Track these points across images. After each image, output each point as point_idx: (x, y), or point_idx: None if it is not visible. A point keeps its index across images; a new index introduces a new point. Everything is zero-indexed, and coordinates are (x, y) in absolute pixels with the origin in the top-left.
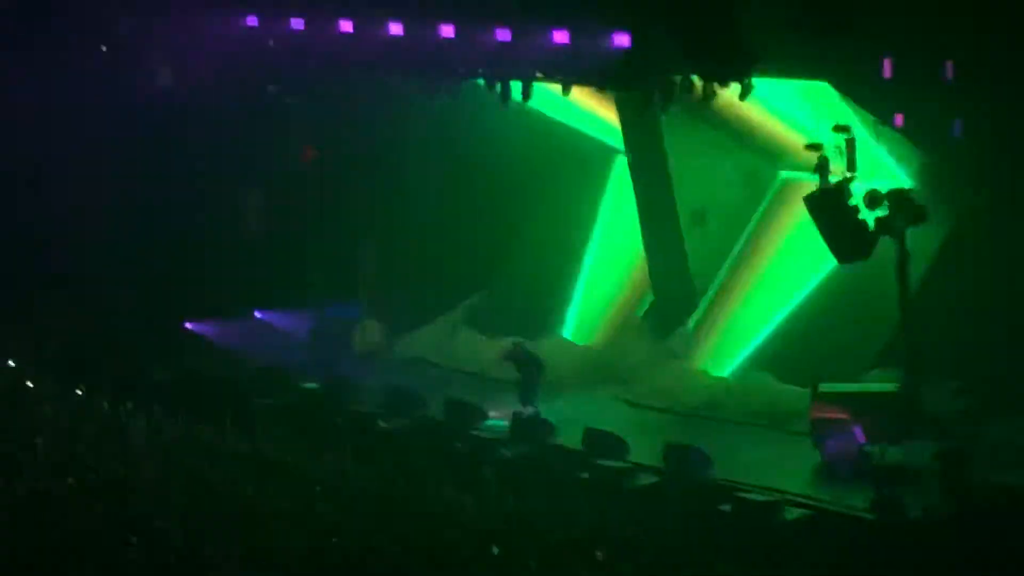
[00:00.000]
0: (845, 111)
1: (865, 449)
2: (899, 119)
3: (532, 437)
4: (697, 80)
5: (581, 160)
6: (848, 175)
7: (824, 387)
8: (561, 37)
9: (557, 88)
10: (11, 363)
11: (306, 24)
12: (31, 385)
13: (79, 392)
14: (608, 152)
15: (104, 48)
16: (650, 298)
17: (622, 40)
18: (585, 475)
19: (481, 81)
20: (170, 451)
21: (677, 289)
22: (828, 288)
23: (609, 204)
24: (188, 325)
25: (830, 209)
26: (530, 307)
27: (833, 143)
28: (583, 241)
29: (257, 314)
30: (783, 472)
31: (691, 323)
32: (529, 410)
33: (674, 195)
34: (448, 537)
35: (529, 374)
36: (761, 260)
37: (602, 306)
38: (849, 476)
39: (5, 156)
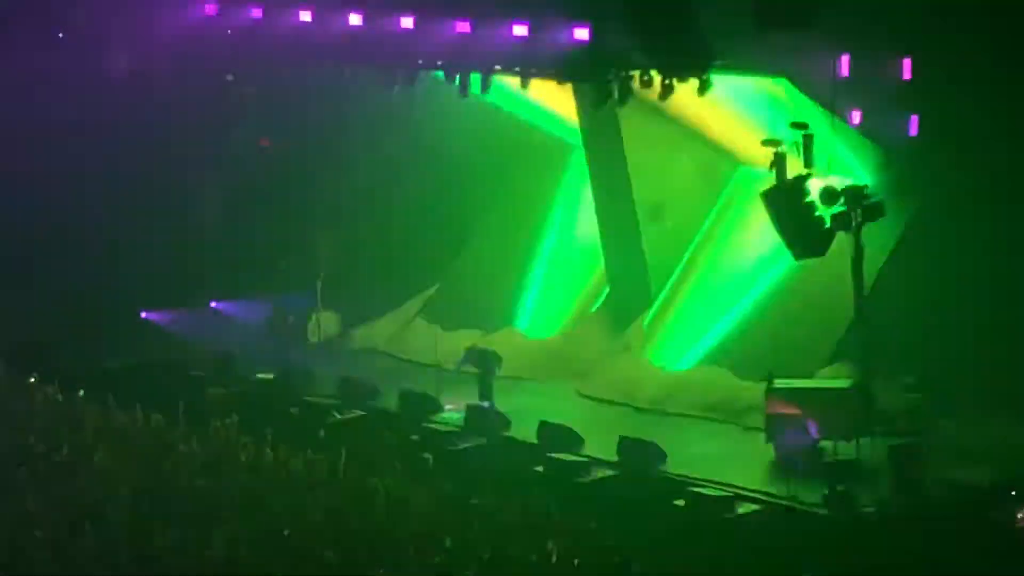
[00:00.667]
0: (802, 107)
1: (818, 444)
2: (856, 116)
3: (487, 429)
4: (656, 75)
5: (538, 153)
6: (805, 171)
7: (778, 382)
8: (520, 30)
9: (515, 81)
10: None
11: (264, 13)
12: None
13: (32, 380)
14: (565, 146)
15: (61, 35)
16: (606, 292)
17: (581, 33)
18: (539, 468)
19: (440, 73)
20: (122, 439)
21: (633, 283)
22: (784, 284)
23: (566, 198)
24: (144, 314)
25: (787, 205)
26: (486, 300)
27: (790, 139)
28: (540, 235)
29: (213, 304)
30: (737, 467)
31: (647, 317)
32: (484, 403)
33: (631, 189)
34: (402, 527)
35: (486, 371)
36: (717, 255)
37: (558, 300)
38: (802, 471)
39: None
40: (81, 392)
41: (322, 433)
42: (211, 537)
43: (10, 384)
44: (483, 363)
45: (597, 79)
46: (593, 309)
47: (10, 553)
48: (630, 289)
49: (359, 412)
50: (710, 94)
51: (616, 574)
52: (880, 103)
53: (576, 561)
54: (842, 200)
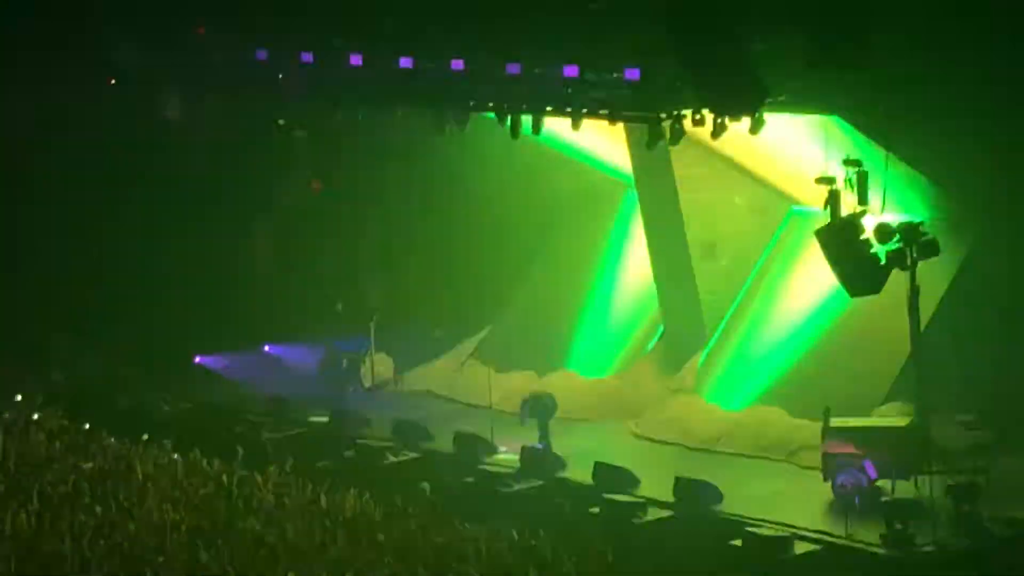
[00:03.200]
0: (856, 144)
1: (876, 483)
2: (910, 152)
3: (542, 471)
4: (708, 113)
5: (591, 193)
6: (859, 209)
7: (835, 421)
8: (571, 71)
9: (567, 122)
10: (19, 397)
11: (315, 57)
12: (37, 418)
13: (86, 426)
14: (618, 186)
15: (113, 80)
16: (660, 332)
17: (633, 74)
18: (595, 509)
19: (491, 115)
20: (178, 486)
21: (687, 323)
22: (839, 322)
23: (619, 238)
24: (198, 359)
25: (841, 243)
26: (539, 341)
27: (844, 177)
28: (593, 275)
29: (266, 348)
30: (794, 506)
31: (701, 357)
32: (539, 444)
33: (684, 228)
34: (460, 571)
35: (544, 417)
36: (772, 294)
37: (612, 340)
38: (860, 510)
39: (16, 187)
40: (145, 437)
41: (377, 476)
42: None
43: (64, 430)
44: (540, 410)
45: (649, 119)
46: (647, 349)
47: None
48: (684, 329)
49: (413, 454)
50: (762, 132)
51: None
52: (934, 139)
53: None
54: (897, 237)
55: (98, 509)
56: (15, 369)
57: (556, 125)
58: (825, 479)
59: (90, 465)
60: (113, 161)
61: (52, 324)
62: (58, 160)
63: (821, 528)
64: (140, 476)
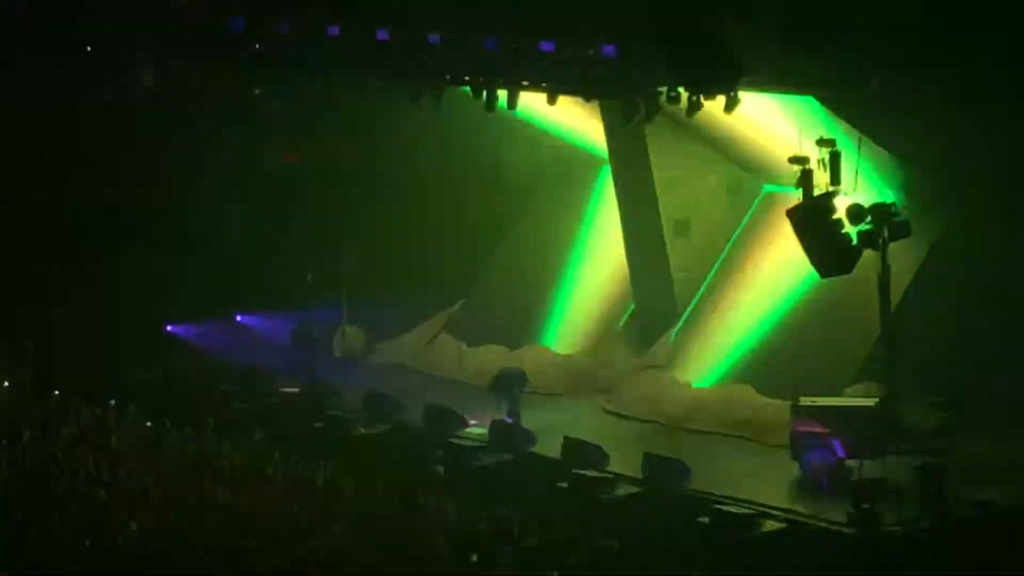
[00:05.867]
0: (830, 125)
1: (844, 463)
2: (884, 133)
3: (511, 445)
4: (683, 91)
5: (566, 169)
6: (832, 189)
7: (804, 400)
8: (547, 46)
9: (542, 97)
10: None
11: (292, 27)
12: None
13: (56, 394)
14: (593, 161)
15: (89, 49)
16: (632, 308)
17: (608, 50)
18: (564, 484)
19: (467, 88)
20: (148, 454)
21: (659, 299)
22: (810, 301)
23: (592, 214)
24: (169, 327)
25: (813, 223)
26: (512, 316)
27: (817, 157)
28: (565, 250)
29: (238, 317)
30: (762, 484)
31: (672, 334)
32: (508, 418)
33: (658, 206)
34: (427, 544)
35: (513, 391)
36: (743, 272)
37: (584, 316)
38: (827, 489)
39: None
40: (112, 403)
41: (347, 448)
42: (243, 551)
43: (35, 398)
44: (509, 385)
45: (624, 96)
46: (619, 325)
47: (37, 562)
48: (656, 306)
49: (383, 427)
50: (737, 111)
51: None
52: (908, 121)
53: None
54: (869, 218)
55: (68, 477)
56: None
57: (532, 100)
58: (793, 458)
59: (61, 432)
60: (87, 130)
61: (20, 293)
62: (31, 127)
63: (788, 506)
64: (111, 444)
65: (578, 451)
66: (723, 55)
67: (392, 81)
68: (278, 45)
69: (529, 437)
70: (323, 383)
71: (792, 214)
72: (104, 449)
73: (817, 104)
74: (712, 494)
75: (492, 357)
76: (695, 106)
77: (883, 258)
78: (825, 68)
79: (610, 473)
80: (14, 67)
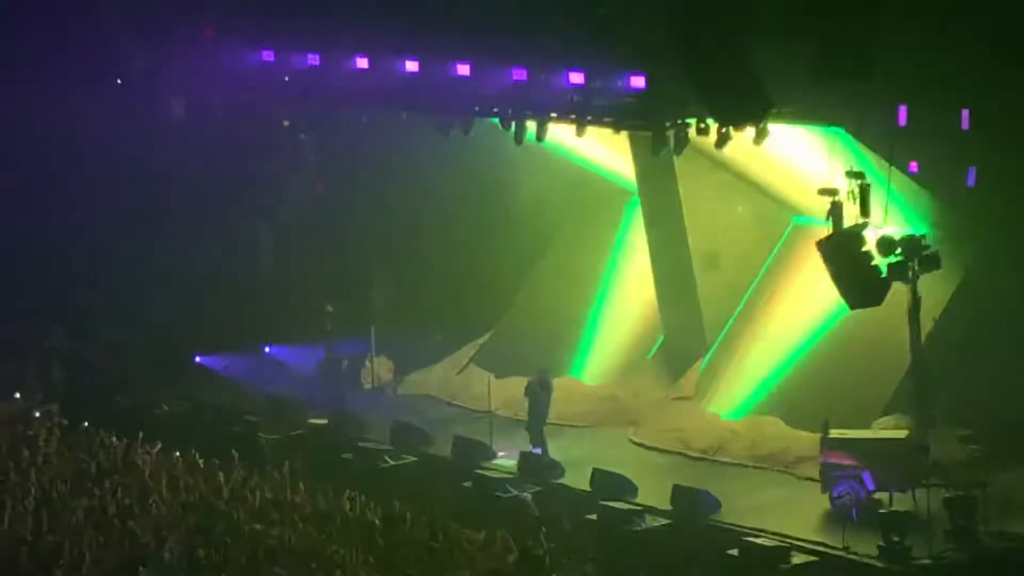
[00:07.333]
0: (860, 157)
1: (873, 495)
2: (914, 166)
3: (540, 476)
4: (712, 123)
5: (595, 200)
6: (861, 221)
7: (834, 432)
8: (576, 78)
9: (571, 129)
10: (17, 395)
11: (321, 60)
12: (37, 415)
13: (86, 424)
14: (622, 193)
15: (120, 81)
16: (661, 340)
17: (637, 82)
18: (593, 516)
19: (495, 120)
20: (177, 485)
21: (688, 331)
22: (839, 334)
23: (621, 245)
24: (198, 359)
25: (843, 254)
26: (540, 347)
27: (847, 188)
28: (594, 282)
29: (266, 349)
30: (791, 517)
31: (702, 365)
32: (537, 449)
33: (687, 238)
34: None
35: (543, 401)
36: (773, 304)
37: (612, 347)
38: (857, 522)
39: (21, 185)
40: (140, 435)
41: (375, 478)
42: None
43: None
44: (544, 390)
45: (653, 127)
46: (648, 357)
47: None
48: (685, 337)
49: (411, 458)
50: (767, 143)
51: None
52: (938, 153)
53: None
54: (899, 250)
55: (97, 507)
56: (15, 366)
57: (560, 132)
58: (823, 490)
59: (89, 463)
60: (118, 162)
61: (52, 321)
62: (63, 159)
63: (818, 539)
64: (139, 475)
65: (607, 483)
66: (752, 86)
67: (420, 113)
68: (306, 77)
69: (558, 468)
70: (351, 414)
71: (822, 246)
72: (133, 479)
73: (847, 136)
74: (741, 526)
75: (521, 389)
76: (724, 138)
77: (913, 290)
78: (854, 99)
79: (639, 505)
80: (49, 96)
